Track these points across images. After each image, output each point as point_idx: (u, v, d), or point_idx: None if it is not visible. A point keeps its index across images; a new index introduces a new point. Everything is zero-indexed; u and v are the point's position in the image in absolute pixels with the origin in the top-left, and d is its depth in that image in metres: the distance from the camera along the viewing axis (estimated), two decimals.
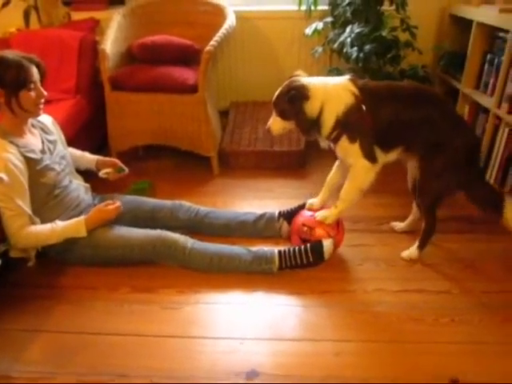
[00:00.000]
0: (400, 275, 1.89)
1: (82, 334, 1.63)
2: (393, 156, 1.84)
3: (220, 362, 1.50)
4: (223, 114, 3.08)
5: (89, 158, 2.19)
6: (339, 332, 1.61)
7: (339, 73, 2.59)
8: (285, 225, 2.13)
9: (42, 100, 1.84)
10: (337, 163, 2.00)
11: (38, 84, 1.81)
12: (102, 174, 2.13)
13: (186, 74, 2.53)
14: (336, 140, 1.78)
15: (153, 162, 2.88)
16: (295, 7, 2.87)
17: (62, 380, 1.45)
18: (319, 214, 1.95)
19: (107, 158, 2.19)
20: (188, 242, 1.89)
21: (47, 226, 1.80)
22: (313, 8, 2.78)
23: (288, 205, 2.18)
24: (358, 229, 2.19)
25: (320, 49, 2.71)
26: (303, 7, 2.83)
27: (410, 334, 1.60)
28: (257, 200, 2.45)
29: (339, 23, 2.58)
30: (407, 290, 1.80)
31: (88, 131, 2.66)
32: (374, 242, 2.10)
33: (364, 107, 1.72)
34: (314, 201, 2.05)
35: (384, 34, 2.39)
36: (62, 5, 3.10)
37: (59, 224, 1.81)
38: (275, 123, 1.85)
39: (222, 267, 1.87)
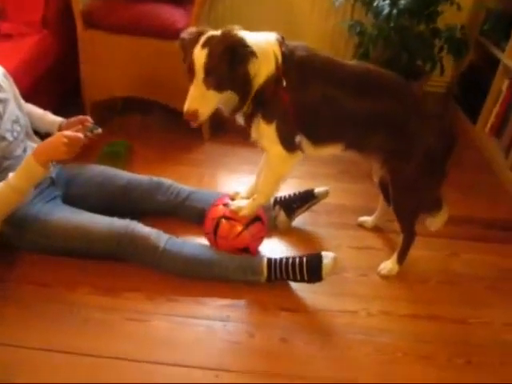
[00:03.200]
0: (410, 294, 1.61)
1: (22, 348, 1.35)
2: (327, 151, 1.50)
3: None
4: None
5: (50, 120, 1.76)
6: (334, 370, 1.35)
7: (362, 29, 2.14)
8: (282, 215, 1.82)
9: None
10: None
11: None
12: None
13: (175, 15, 2.07)
14: (250, 117, 1.40)
15: (134, 118, 2.46)
16: None
17: None
18: (234, 204, 1.59)
19: (72, 119, 1.77)
20: (161, 240, 1.55)
21: (1, 184, 1.41)
22: None
23: (288, 188, 1.84)
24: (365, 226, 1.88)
25: None
26: None
27: (419, 377, 1.35)
28: (248, 175, 2.08)
29: None
30: (417, 316, 1.53)
31: (56, 75, 2.23)
32: (382, 245, 1.80)
33: (284, 82, 1.32)
34: (241, 193, 1.68)
35: None
36: None
37: (10, 176, 1.43)
38: (206, 101, 1.28)
39: (198, 273, 1.56)
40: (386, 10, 1.85)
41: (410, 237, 1.63)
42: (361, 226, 1.88)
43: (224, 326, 1.45)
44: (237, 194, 1.67)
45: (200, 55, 1.25)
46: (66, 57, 2.27)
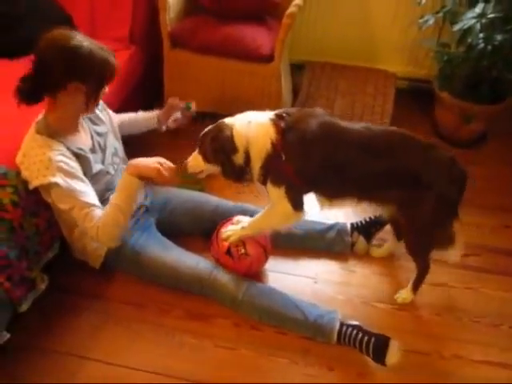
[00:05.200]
0: (483, 337, 1.65)
1: (126, 368, 1.52)
2: (341, 204, 1.59)
3: None
4: (293, 68, 2.63)
5: (145, 117, 1.89)
6: None
7: (450, 57, 2.07)
8: (361, 241, 1.89)
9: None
10: None
11: None
12: (171, 123, 1.84)
13: (260, 39, 2.10)
14: (264, 183, 1.55)
15: None
16: None
17: None
18: (225, 230, 1.69)
19: (165, 108, 1.87)
20: (240, 290, 1.61)
21: (107, 207, 1.53)
22: None
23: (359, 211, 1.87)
24: (439, 259, 1.84)
25: (431, 19, 2.13)
26: None
27: None
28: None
29: None
30: (490, 362, 1.58)
31: (140, 91, 2.33)
32: (456, 282, 1.83)
33: (283, 156, 1.45)
34: (243, 219, 1.73)
35: None
36: None
37: (111, 197, 1.55)
38: (195, 160, 1.58)
39: (272, 324, 1.64)
40: (480, 46, 1.79)
41: (424, 270, 1.69)
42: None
43: (304, 359, 1.56)
44: (238, 221, 1.74)
45: (205, 129, 1.56)
46: (150, 72, 2.36)
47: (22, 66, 1.46)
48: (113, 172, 1.69)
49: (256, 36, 2.10)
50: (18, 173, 1.51)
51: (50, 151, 1.45)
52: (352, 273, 1.84)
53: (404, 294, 1.74)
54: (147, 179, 1.53)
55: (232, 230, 1.68)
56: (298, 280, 1.82)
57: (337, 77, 2.56)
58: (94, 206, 1.50)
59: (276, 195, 1.53)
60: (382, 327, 1.65)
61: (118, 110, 2.00)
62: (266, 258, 1.76)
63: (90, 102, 1.49)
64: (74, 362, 1.53)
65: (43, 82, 1.42)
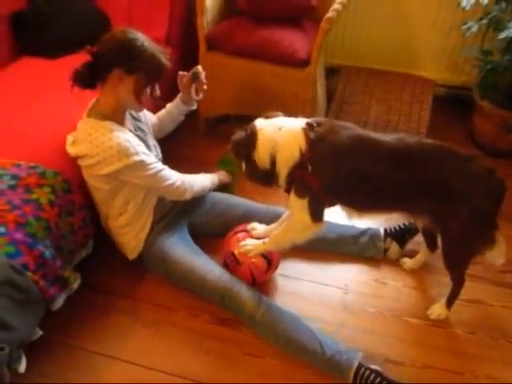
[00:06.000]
0: None
1: (153, 371, 1.53)
2: (372, 217, 1.61)
3: None
4: (326, 72, 2.58)
5: (173, 105, 1.92)
6: None
7: (494, 66, 2.01)
8: (394, 246, 1.87)
9: (153, 99, 1.62)
10: None
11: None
12: (195, 96, 1.86)
13: (296, 43, 2.07)
14: (288, 191, 1.52)
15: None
16: None
17: None
18: (245, 243, 1.67)
19: (180, 85, 1.88)
20: (259, 310, 1.56)
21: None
22: None
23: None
24: (475, 274, 1.82)
25: (474, 26, 2.06)
26: None
27: None
28: None
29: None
30: None
31: (175, 93, 2.33)
32: (493, 300, 1.77)
33: (310, 167, 1.42)
34: (258, 226, 1.74)
35: None
36: None
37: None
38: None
39: (287, 352, 1.56)
40: None
41: (459, 284, 1.63)
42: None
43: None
44: (253, 228, 1.74)
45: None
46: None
47: (60, 66, 1.49)
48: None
49: (292, 40, 2.08)
50: (56, 172, 1.54)
51: (122, 134, 1.51)
52: (383, 285, 1.80)
53: (438, 310, 1.69)
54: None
55: (253, 244, 1.66)
56: (327, 290, 1.79)
57: (373, 82, 2.52)
58: (164, 168, 1.63)
59: (298, 206, 1.51)
60: (413, 343, 1.63)
61: (153, 112, 2.02)
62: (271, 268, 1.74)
63: (135, 95, 1.52)
64: (101, 361, 1.55)
65: (96, 66, 1.49)
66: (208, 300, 1.67)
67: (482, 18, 2.07)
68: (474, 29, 2.04)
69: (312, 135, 1.43)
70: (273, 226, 1.73)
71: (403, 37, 2.55)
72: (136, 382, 1.49)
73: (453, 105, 2.63)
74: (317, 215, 1.51)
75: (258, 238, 1.69)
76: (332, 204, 1.56)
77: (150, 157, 1.59)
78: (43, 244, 1.42)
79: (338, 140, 1.43)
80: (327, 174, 1.45)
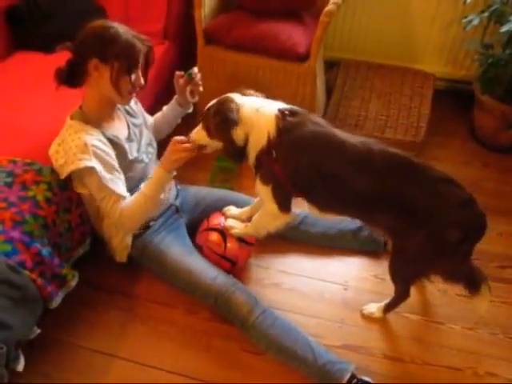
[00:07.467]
0: None
1: (153, 368, 1.53)
2: (331, 216, 1.55)
3: None
4: (325, 65, 2.55)
5: (169, 107, 1.85)
6: None
7: (495, 60, 1.99)
8: None
9: (137, 89, 1.54)
10: None
11: (139, 71, 1.51)
12: (190, 98, 1.79)
13: (295, 37, 2.05)
14: (255, 174, 1.51)
15: None
16: None
17: None
18: (230, 221, 1.71)
19: (176, 87, 1.79)
20: (253, 315, 1.52)
21: (135, 195, 1.55)
22: None
23: None
24: None
25: (476, 19, 2.03)
26: None
27: None
28: None
29: None
30: None
31: (173, 87, 2.30)
32: (492, 296, 1.74)
33: (274, 153, 1.40)
34: (233, 208, 1.77)
35: None
36: None
37: (142, 186, 1.56)
38: (198, 134, 1.50)
39: (278, 359, 1.53)
40: None
41: (401, 298, 1.61)
42: None
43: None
44: (228, 209, 1.77)
45: (209, 103, 1.50)
46: (184, 68, 2.33)
47: (56, 60, 1.47)
48: (147, 160, 1.70)
49: (292, 33, 2.05)
50: (53, 169, 1.52)
51: (85, 135, 1.46)
52: (383, 281, 1.78)
53: (373, 309, 1.67)
54: (173, 164, 1.52)
55: (237, 225, 1.68)
56: (327, 286, 1.78)
57: (372, 76, 2.49)
58: (122, 196, 1.52)
59: (264, 193, 1.49)
60: (413, 339, 1.62)
61: (150, 105, 2.01)
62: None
63: (113, 85, 1.45)
64: (101, 360, 1.54)
65: (74, 61, 1.46)
66: (202, 300, 1.63)
67: (483, 11, 2.04)
68: (475, 22, 2.02)
69: (281, 124, 1.40)
70: (246, 209, 1.75)
71: (403, 30, 2.51)
72: (136, 382, 1.49)
73: (453, 99, 2.61)
74: (283, 204, 1.49)
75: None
76: (295, 196, 1.52)
77: (115, 176, 1.51)
78: (40, 242, 1.40)
79: (301, 133, 1.40)
80: (289, 164, 1.42)
